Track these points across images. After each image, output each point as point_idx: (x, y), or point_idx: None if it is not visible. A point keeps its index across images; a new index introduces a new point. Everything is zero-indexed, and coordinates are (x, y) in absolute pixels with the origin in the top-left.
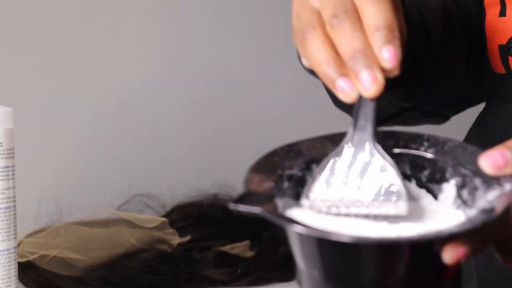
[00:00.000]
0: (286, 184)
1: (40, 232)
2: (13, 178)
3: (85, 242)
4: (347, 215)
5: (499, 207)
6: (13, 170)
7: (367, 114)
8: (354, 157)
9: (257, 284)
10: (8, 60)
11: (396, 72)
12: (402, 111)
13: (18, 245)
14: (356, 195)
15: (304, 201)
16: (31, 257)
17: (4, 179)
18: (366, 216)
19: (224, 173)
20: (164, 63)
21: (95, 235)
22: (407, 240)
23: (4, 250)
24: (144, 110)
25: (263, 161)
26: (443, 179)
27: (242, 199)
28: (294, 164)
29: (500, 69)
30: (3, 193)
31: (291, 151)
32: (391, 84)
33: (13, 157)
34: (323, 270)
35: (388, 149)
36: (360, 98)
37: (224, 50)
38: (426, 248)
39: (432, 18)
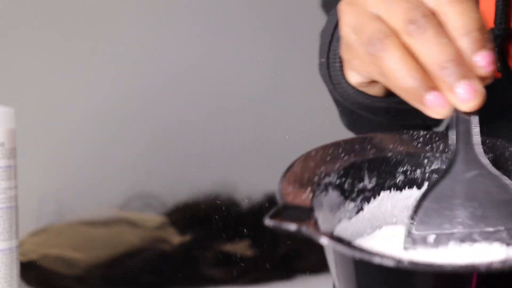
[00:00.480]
0: (323, 194)
1: (41, 232)
2: (15, 178)
3: (86, 241)
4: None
5: None
6: (15, 170)
7: (468, 131)
8: (461, 179)
9: (257, 283)
10: (10, 60)
11: (489, 81)
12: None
13: (20, 244)
14: (474, 222)
15: (407, 237)
16: (33, 257)
17: (6, 179)
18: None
19: (225, 173)
20: (165, 64)
21: (96, 234)
22: (466, 269)
23: (6, 249)
24: (145, 110)
25: (297, 167)
26: None
27: (278, 214)
28: (332, 170)
29: None
30: (5, 193)
31: (327, 154)
32: None
33: (14, 157)
34: None
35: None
36: (457, 113)
37: (222, 50)
38: (500, 275)
39: None
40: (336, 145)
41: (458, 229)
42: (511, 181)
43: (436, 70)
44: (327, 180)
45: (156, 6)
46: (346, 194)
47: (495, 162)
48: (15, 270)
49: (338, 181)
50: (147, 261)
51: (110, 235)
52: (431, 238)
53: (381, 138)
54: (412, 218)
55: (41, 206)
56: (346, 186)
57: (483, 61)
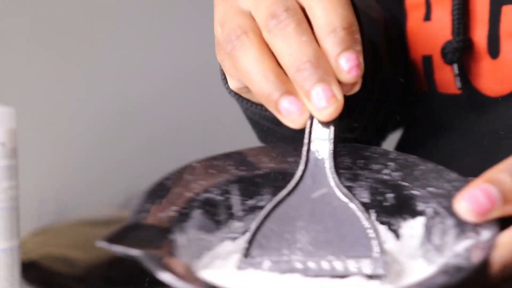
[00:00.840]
0: (198, 212)
1: (42, 231)
2: (16, 178)
3: (87, 241)
4: (302, 274)
5: (469, 265)
6: (15, 170)
7: (322, 143)
8: (308, 198)
9: None
10: (10, 60)
11: (357, 88)
12: None
13: (21, 244)
14: (314, 249)
15: (241, 260)
16: (34, 256)
17: (6, 179)
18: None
19: None
20: (165, 64)
21: (97, 234)
22: None
23: (7, 249)
24: (145, 110)
25: (168, 180)
26: (410, 213)
27: (122, 235)
28: (214, 185)
29: (422, 86)
30: (5, 193)
31: (213, 167)
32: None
33: (15, 156)
34: None
35: (343, 169)
36: (312, 122)
37: None
38: None
39: (375, 30)
40: (227, 156)
41: (297, 256)
42: (358, 202)
43: (293, 71)
44: (205, 196)
45: (156, 5)
46: (231, 212)
47: (403, 180)
48: (16, 270)
49: (220, 198)
50: None
51: None
52: (266, 265)
53: (283, 149)
54: (248, 241)
55: (41, 206)
56: (231, 203)
57: (346, 64)
